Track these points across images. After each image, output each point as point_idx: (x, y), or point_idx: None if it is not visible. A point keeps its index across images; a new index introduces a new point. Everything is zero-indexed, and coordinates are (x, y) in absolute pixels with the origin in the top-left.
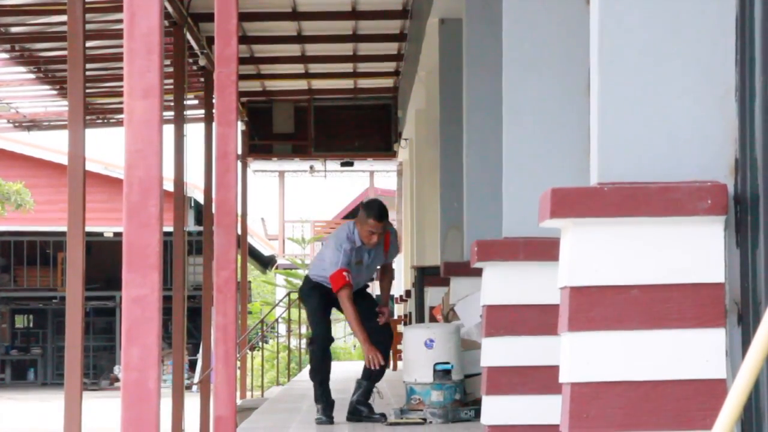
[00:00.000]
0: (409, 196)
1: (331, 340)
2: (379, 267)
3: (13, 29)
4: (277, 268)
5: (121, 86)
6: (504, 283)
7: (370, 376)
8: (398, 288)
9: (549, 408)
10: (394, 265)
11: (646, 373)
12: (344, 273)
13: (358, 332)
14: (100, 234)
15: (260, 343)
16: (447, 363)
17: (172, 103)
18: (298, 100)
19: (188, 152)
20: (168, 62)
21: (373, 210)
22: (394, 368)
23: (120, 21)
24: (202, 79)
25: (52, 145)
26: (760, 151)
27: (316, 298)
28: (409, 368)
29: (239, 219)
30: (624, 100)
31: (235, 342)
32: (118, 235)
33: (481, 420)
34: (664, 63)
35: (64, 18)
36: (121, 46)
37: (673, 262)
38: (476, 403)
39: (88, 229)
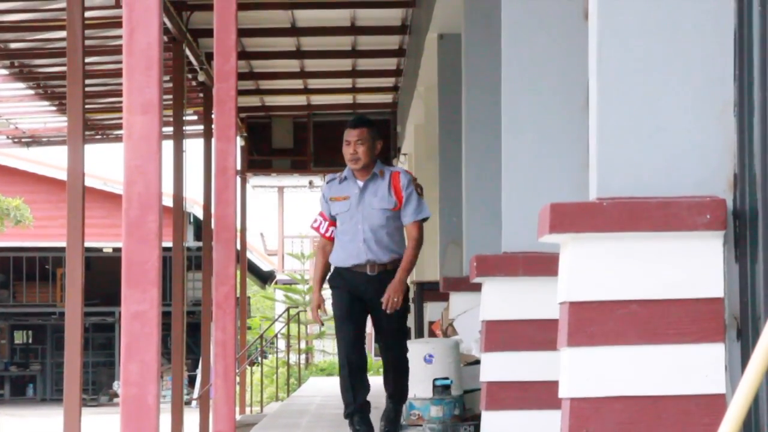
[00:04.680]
0: None
1: (361, 359)
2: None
3: (13, 45)
4: (276, 283)
5: (121, 102)
6: (503, 298)
7: (393, 396)
8: None
9: (548, 423)
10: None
11: (645, 388)
12: (317, 217)
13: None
14: (100, 250)
15: (259, 359)
16: (446, 378)
17: (171, 119)
18: (297, 115)
19: (187, 168)
20: (167, 78)
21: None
22: None
23: (119, 37)
24: (202, 95)
25: (52, 161)
26: (758, 166)
27: (337, 296)
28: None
29: (238, 234)
30: (622, 115)
31: (235, 357)
32: (117, 250)
33: None
34: (663, 78)
35: (63, 34)
36: (121, 62)
37: (672, 277)
38: (475, 419)
39: (87, 244)
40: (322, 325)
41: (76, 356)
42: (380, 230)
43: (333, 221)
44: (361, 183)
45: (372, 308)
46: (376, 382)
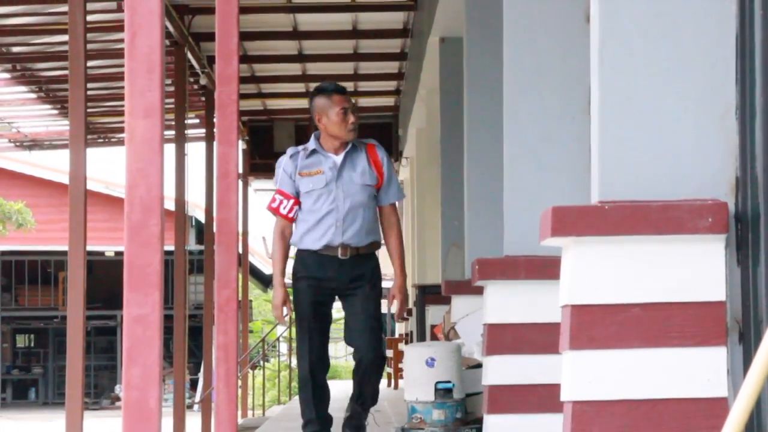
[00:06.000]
0: (410, 215)
1: (324, 366)
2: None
3: (15, 49)
4: None
5: (122, 105)
6: (505, 302)
7: (363, 400)
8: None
9: (550, 426)
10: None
11: (647, 392)
12: (275, 195)
13: (274, 277)
14: (102, 253)
15: (261, 362)
16: (448, 382)
17: (173, 122)
18: (298, 119)
19: (189, 171)
20: (169, 81)
21: (328, 85)
22: (396, 387)
23: (121, 41)
24: (203, 98)
25: (54, 165)
26: (760, 169)
27: (303, 292)
28: (410, 387)
29: (240, 238)
30: (624, 118)
31: (237, 361)
32: (119, 254)
33: None
34: (665, 81)
35: (65, 38)
36: (123, 66)
37: (674, 281)
38: (477, 422)
39: (89, 248)
40: (286, 325)
41: (78, 360)
42: (361, 210)
43: (297, 200)
44: (337, 156)
45: (343, 294)
46: (337, 386)
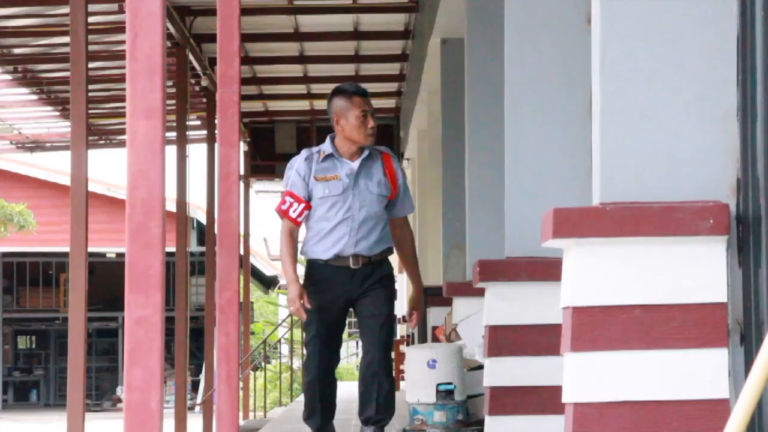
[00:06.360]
0: (412, 216)
1: (332, 369)
2: (379, 222)
3: (16, 50)
4: (279, 288)
5: (124, 107)
6: (506, 303)
7: (379, 421)
8: (400, 308)
9: (552, 428)
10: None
11: (648, 393)
12: (285, 197)
13: (287, 277)
14: (103, 255)
15: (263, 364)
16: (449, 383)
17: (174, 124)
18: (300, 120)
19: (191, 173)
20: (170, 83)
21: (349, 86)
22: (397, 388)
23: (123, 42)
24: (205, 100)
25: (55, 166)
26: (762, 171)
27: (313, 310)
28: (411, 388)
29: (242, 239)
30: (625, 119)
31: (238, 362)
32: (120, 255)
33: None
34: (666, 83)
35: (66, 39)
36: (124, 68)
37: (675, 282)
38: (479, 424)
39: (90, 249)
40: (305, 318)
41: (79, 361)
42: (375, 220)
43: (308, 204)
44: (353, 163)
45: (356, 301)
46: (339, 387)
